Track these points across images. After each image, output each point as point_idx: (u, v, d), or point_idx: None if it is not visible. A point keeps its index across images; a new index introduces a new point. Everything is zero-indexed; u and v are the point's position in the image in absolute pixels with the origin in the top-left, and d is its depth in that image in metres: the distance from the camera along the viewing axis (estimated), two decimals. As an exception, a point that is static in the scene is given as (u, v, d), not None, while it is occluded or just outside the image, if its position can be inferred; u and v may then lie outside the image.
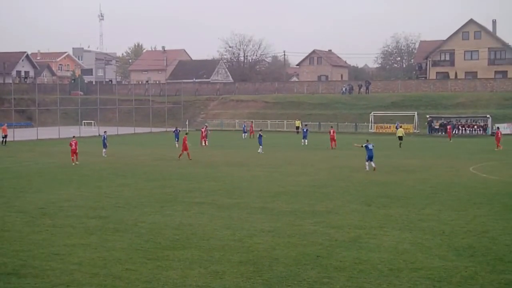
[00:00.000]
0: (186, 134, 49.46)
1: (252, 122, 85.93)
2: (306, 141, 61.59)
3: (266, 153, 49.95)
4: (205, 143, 59.69)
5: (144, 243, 18.81)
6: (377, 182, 32.68)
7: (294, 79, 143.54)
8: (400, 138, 59.35)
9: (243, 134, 75.77)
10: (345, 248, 17.99)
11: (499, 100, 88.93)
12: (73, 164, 42.37)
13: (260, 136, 53.19)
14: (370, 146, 38.09)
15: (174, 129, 63.52)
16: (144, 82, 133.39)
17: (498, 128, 67.83)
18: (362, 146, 38.97)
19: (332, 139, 56.68)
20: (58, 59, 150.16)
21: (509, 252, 17.55)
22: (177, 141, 57.18)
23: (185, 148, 45.52)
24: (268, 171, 38.43)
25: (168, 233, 20.18)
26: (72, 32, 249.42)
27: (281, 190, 29.85)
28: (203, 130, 61.75)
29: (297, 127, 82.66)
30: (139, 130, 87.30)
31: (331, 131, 58.60)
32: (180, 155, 46.03)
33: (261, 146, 51.82)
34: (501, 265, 16.24)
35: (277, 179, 34.53)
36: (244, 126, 79.44)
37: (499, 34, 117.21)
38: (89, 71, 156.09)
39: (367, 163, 38.42)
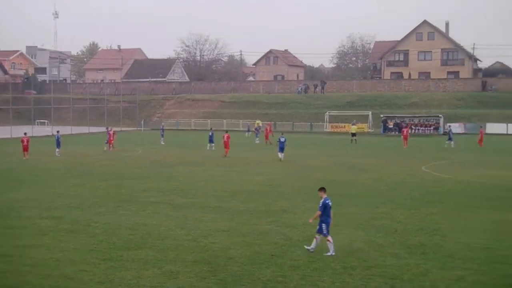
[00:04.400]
0: (226, 132, 51.03)
1: (269, 123, 77.52)
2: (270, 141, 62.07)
3: (221, 153, 49.86)
4: (110, 147, 53.35)
5: (98, 244, 18.64)
6: (332, 181, 32.92)
7: (251, 78, 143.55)
8: (353, 134, 63.29)
9: (256, 139, 67.02)
10: (299, 247, 18.10)
11: (451, 100, 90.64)
12: (24, 158, 44.18)
13: (212, 133, 54.87)
14: (282, 140, 43.89)
15: (107, 129, 57.82)
16: (99, 81, 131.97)
17: (406, 125, 70.91)
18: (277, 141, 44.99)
19: (226, 145, 48.77)
20: (11, 58, 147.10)
21: (459, 249, 17.91)
22: (106, 143, 54.02)
23: (226, 146, 47.34)
24: (224, 170, 38.43)
25: (123, 233, 20.03)
26: (26, 30, 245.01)
27: (237, 190, 29.89)
28: (111, 133, 54.56)
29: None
30: (94, 129, 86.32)
31: (225, 136, 49.45)
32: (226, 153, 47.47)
33: (213, 144, 53.57)
34: (452, 262, 16.57)
35: (233, 178, 34.57)
36: (249, 126, 76.76)
37: (451, 35, 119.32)
38: (43, 70, 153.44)
39: (279, 153, 43.59)
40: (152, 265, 16.26)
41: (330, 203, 17.55)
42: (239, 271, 15.73)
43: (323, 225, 17.36)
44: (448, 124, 73.78)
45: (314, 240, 17.55)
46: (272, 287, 14.58)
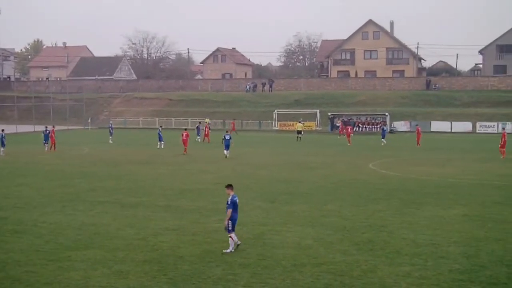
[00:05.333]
0: (185, 129, 51.96)
1: (233, 121, 77.33)
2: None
3: (170, 151, 49.65)
4: (54, 147, 51.61)
5: (45, 244, 18.33)
6: (281, 179, 33.15)
7: (199, 76, 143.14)
8: (299, 132, 64.44)
9: (197, 137, 63.97)
10: (249, 245, 18.15)
11: (397, 99, 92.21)
12: None
13: (159, 131, 55.35)
14: (227, 137, 44.87)
15: (45, 129, 53.86)
16: (45, 79, 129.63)
17: (351, 124, 72.65)
18: (222, 140, 45.52)
19: (185, 143, 49.43)
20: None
21: (406, 245, 18.22)
22: (46, 143, 52.21)
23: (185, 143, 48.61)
24: (173, 169, 38.25)
25: (70, 233, 19.75)
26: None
27: (185, 188, 29.80)
28: (53, 131, 52.71)
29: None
30: (40, 128, 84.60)
31: (184, 134, 49.92)
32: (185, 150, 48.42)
33: (162, 142, 54.01)
34: (399, 258, 16.85)
35: (182, 177, 34.44)
36: (198, 126, 66.14)
37: (396, 34, 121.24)
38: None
39: (225, 151, 44.52)
40: (101, 265, 16.08)
41: (237, 200, 17.63)
42: (189, 270, 15.69)
43: (229, 222, 17.34)
44: (383, 122, 75.56)
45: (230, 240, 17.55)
46: (222, 285, 14.58)
